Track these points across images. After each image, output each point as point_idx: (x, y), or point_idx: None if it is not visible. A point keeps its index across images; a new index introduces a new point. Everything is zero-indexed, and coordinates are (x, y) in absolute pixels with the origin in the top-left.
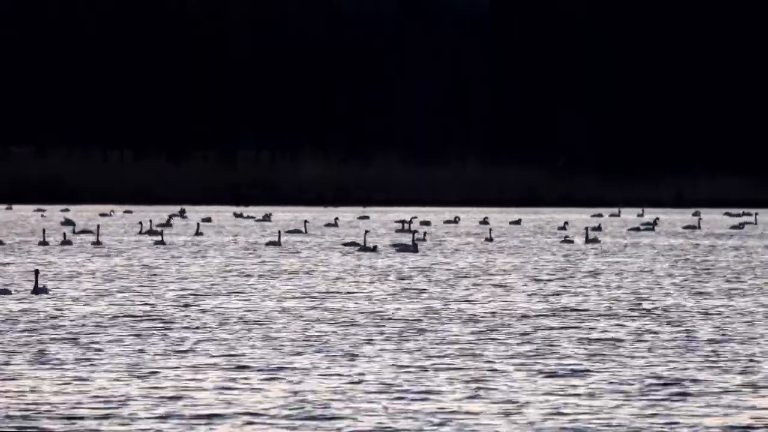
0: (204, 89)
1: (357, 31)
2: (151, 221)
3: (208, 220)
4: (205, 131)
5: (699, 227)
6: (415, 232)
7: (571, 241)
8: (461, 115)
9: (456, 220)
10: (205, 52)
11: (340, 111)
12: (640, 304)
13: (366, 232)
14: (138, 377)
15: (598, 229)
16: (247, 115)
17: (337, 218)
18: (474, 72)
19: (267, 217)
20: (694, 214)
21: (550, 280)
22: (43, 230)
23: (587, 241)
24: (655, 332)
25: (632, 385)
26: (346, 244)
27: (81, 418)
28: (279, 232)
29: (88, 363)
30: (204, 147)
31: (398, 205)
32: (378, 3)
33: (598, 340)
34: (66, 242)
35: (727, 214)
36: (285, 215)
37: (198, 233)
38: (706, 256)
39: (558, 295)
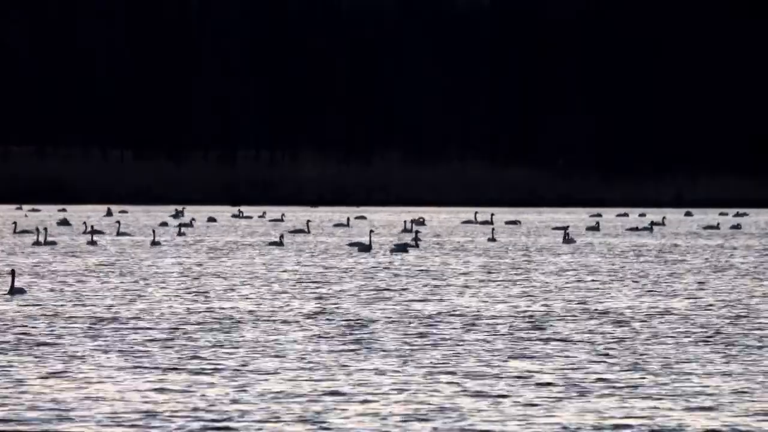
0: (204, 89)
1: (357, 31)
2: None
3: (213, 220)
4: (205, 131)
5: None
6: (417, 232)
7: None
8: (461, 115)
9: (492, 220)
10: (204, 52)
11: (340, 111)
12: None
13: (371, 231)
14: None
15: (597, 228)
16: (247, 115)
17: (349, 218)
18: (474, 72)
19: (282, 218)
20: (686, 215)
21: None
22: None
23: (564, 241)
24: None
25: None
26: (351, 245)
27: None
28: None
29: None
30: (204, 147)
31: (398, 205)
32: (378, 3)
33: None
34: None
35: (722, 214)
36: (298, 215)
37: (180, 234)
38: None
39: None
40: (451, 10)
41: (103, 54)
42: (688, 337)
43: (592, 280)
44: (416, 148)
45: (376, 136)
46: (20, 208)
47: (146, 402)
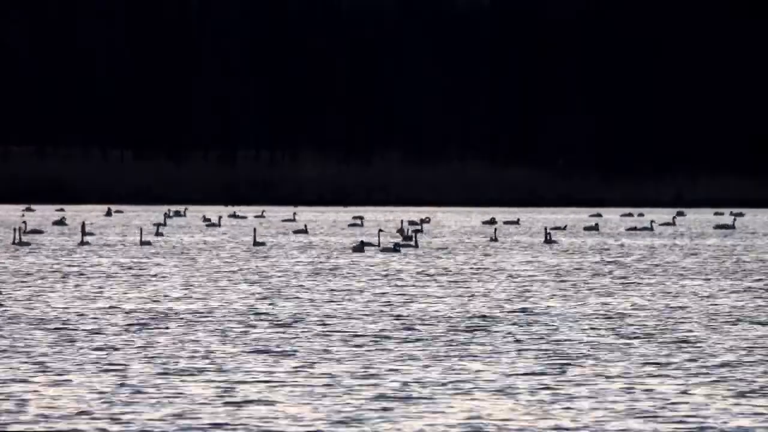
0: (204, 89)
1: (357, 31)
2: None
3: (208, 220)
4: (205, 131)
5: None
6: (416, 232)
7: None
8: (461, 115)
9: (518, 221)
10: (204, 52)
11: (340, 111)
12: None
13: (380, 231)
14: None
15: (595, 228)
16: (247, 115)
17: (362, 217)
18: (474, 72)
19: (293, 217)
20: (678, 214)
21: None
22: None
23: (546, 241)
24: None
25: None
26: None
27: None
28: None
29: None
30: (204, 147)
31: (398, 205)
32: (378, 3)
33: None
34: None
35: (717, 213)
36: (308, 215)
37: (158, 233)
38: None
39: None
40: (451, 10)
41: (103, 54)
42: (593, 337)
43: (522, 282)
44: (416, 148)
45: (376, 136)
46: (28, 209)
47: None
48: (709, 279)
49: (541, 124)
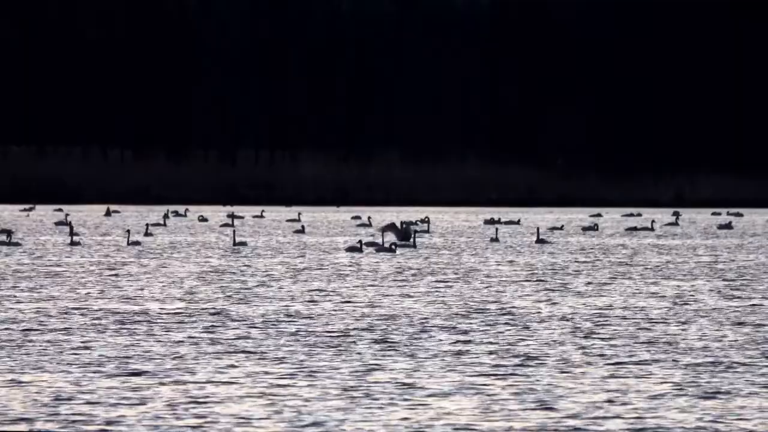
0: (204, 89)
1: (357, 31)
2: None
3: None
4: (205, 131)
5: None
6: (415, 232)
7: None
8: (461, 115)
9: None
10: (204, 52)
11: (340, 111)
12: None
13: (382, 233)
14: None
15: (594, 228)
16: (247, 114)
17: (369, 217)
18: (473, 72)
19: (298, 217)
20: (673, 214)
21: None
22: None
23: (537, 241)
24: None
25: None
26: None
27: None
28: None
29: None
30: (204, 147)
31: (398, 205)
32: (378, 3)
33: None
34: None
35: (714, 213)
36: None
37: (147, 233)
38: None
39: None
40: (450, 11)
41: (103, 53)
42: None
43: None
44: (416, 148)
45: (376, 136)
46: (34, 209)
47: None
48: (693, 280)
49: (541, 124)
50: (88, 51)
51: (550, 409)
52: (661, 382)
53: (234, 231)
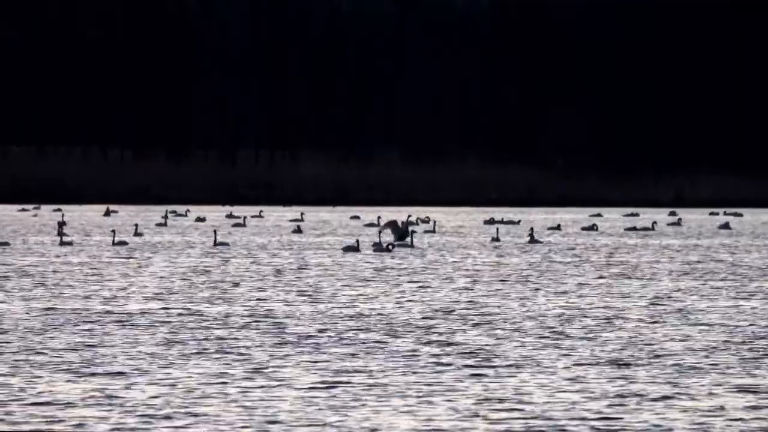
0: (204, 89)
1: (357, 31)
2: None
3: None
4: (205, 131)
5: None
6: (413, 231)
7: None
8: (461, 115)
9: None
10: (204, 52)
11: (340, 111)
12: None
13: (379, 232)
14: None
15: (593, 228)
16: (247, 114)
17: (379, 217)
18: (473, 72)
19: (301, 217)
20: (670, 215)
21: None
22: None
23: (530, 241)
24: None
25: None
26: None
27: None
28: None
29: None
30: (204, 147)
31: (398, 205)
32: (378, 3)
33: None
34: None
35: (712, 213)
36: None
37: (137, 233)
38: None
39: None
40: (450, 11)
41: (103, 53)
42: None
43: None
44: (416, 148)
45: (376, 136)
46: (38, 208)
47: None
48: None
49: (541, 124)
50: (88, 51)
51: (521, 410)
52: (632, 383)
53: (216, 231)
